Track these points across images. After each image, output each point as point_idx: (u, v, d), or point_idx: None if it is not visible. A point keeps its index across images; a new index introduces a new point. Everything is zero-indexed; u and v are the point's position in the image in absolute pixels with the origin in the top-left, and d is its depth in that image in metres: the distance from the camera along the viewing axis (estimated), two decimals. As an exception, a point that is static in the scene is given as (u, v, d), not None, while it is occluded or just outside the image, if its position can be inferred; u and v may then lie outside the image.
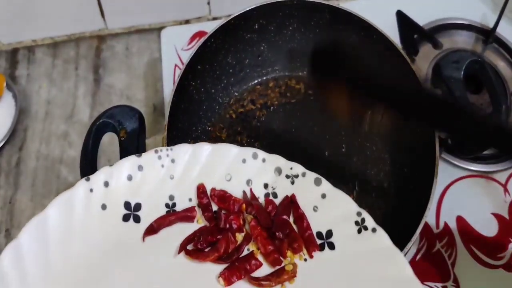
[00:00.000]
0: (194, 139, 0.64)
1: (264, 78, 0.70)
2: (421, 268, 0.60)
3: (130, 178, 0.44)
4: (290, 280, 0.42)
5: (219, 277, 0.42)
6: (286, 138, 0.66)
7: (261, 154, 0.46)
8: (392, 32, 0.72)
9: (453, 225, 0.63)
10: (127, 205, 0.44)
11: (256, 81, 0.70)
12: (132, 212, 0.44)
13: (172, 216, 0.45)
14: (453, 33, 0.77)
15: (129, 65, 0.79)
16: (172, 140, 0.56)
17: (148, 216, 0.44)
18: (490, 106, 0.67)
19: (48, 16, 0.78)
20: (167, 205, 0.45)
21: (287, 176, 0.46)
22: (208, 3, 0.81)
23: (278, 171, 0.47)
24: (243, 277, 0.42)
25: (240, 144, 0.65)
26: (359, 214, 0.44)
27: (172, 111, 0.57)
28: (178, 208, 0.45)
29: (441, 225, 0.63)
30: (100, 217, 0.43)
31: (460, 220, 0.63)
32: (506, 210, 0.64)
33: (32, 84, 0.77)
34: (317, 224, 0.45)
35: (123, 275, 0.41)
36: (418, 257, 0.61)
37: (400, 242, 0.50)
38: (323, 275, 0.43)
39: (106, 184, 0.43)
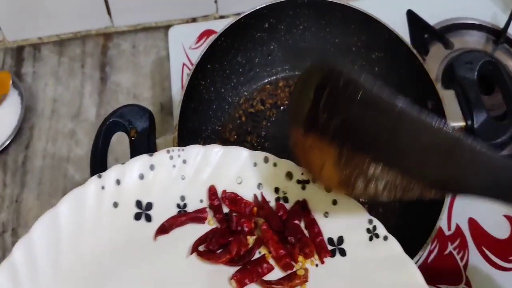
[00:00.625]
0: (204, 139, 0.63)
1: (274, 77, 0.69)
2: (433, 270, 0.60)
3: (142, 177, 0.44)
4: (301, 285, 0.42)
5: (231, 279, 0.41)
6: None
7: (272, 158, 0.46)
8: (402, 31, 0.72)
9: (465, 227, 0.62)
10: (138, 204, 0.43)
11: (266, 81, 0.69)
12: (143, 211, 0.43)
13: (183, 216, 0.44)
14: (463, 33, 0.77)
15: (136, 64, 0.79)
16: (183, 140, 0.56)
17: (159, 215, 0.44)
18: (502, 106, 0.67)
19: (54, 14, 0.77)
20: (178, 205, 0.44)
21: (298, 182, 0.46)
22: (215, 2, 0.80)
23: (289, 176, 0.46)
24: (255, 280, 0.42)
25: (250, 144, 0.64)
26: (370, 221, 0.43)
27: (182, 111, 0.56)
28: (189, 208, 0.45)
29: (453, 227, 0.62)
30: (112, 215, 0.42)
31: (472, 222, 0.63)
32: (519, 212, 0.63)
33: (38, 82, 0.77)
34: (328, 230, 0.44)
35: (133, 273, 0.41)
36: (430, 259, 0.61)
37: (412, 246, 0.50)
38: (334, 281, 0.42)
39: (118, 182, 0.43)
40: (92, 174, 0.51)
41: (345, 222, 0.44)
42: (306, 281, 0.42)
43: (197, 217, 0.44)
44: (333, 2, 0.63)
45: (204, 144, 0.62)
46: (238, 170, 0.46)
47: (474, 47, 0.75)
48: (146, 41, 0.81)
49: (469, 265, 0.60)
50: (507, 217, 0.63)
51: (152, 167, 0.44)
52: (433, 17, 0.77)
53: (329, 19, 0.65)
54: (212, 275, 0.42)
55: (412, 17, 0.76)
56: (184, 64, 0.74)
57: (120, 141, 0.57)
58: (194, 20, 0.82)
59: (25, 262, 0.39)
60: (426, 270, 0.59)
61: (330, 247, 0.44)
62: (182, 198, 0.45)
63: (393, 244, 0.42)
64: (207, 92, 0.63)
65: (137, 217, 0.43)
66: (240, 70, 0.67)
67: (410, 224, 0.57)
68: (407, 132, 0.37)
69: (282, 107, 0.67)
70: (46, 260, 0.40)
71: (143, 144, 0.53)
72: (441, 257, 0.61)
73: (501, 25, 0.75)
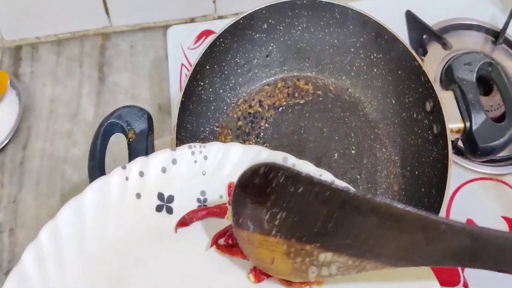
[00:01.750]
0: (202, 140, 0.63)
1: (273, 78, 0.69)
2: (431, 271, 0.60)
3: (164, 170, 0.45)
4: (319, 283, 0.42)
5: (249, 273, 0.42)
6: (294, 139, 0.65)
7: (291, 159, 0.46)
8: (401, 32, 0.72)
9: (463, 228, 0.62)
10: (160, 196, 0.44)
11: (264, 82, 0.69)
12: (165, 203, 0.44)
13: (204, 210, 0.45)
14: (462, 34, 0.77)
15: (134, 64, 0.78)
16: (181, 141, 0.56)
17: (180, 208, 0.45)
18: (500, 108, 0.67)
19: (52, 13, 0.77)
20: (198, 200, 0.45)
21: None
22: (214, 2, 0.80)
23: None
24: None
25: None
26: None
27: (180, 112, 0.56)
28: (209, 203, 0.46)
29: (451, 228, 0.62)
30: (134, 206, 0.43)
31: (469, 223, 0.63)
32: (517, 214, 0.63)
33: (36, 82, 0.76)
34: None
35: (154, 263, 0.42)
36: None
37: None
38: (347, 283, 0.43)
39: (141, 174, 0.44)
40: (90, 176, 0.51)
41: None
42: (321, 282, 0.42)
43: (217, 212, 0.45)
44: (331, 3, 0.63)
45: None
46: None
47: (473, 48, 0.75)
48: (145, 41, 0.80)
49: (467, 266, 0.60)
50: (505, 218, 0.63)
51: (174, 161, 0.45)
52: (431, 17, 0.77)
53: (327, 20, 0.65)
54: (230, 269, 0.43)
55: (410, 18, 0.76)
56: (182, 65, 0.74)
57: (118, 142, 0.57)
58: (192, 20, 0.82)
59: (51, 245, 0.40)
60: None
61: None
62: (203, 193, 0.45)
63: None
64: (206, 93, 0.63)
65: (159, 209, 0.44)
66: (239, 71, 0.67)
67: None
68: (352, 218, 0.37)
69: (280, 108, 0.67)
70: (72, 245, 0.41)
71: (141, 145, 0.52)
72: (439, 258, 0.61)
73: (500, 25, 0.75)
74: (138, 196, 0.44)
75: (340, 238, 0.38)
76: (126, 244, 0.42)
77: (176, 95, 0.71)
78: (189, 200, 0.45)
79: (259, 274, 0.42)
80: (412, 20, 0.76)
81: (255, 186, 0.39)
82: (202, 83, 0.62)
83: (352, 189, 0.38)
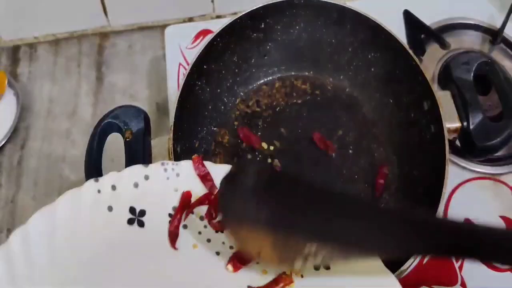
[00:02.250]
0: (199, 140, 0.63)
1: (270, 78, 0.69)
2: (428, 271, 0.60)
3: (136, 185, 0.45)
4: (288, 285, 0.43)
5: (227, 265, 0.43)
6: (292, 139, 0.65)
7: None
8: (399, 31, 0.72)
9: (460, 228, 0.62)
10: (132, 210, 0.44)
11: (262, 81, 0.69)
12: (136, 217, 0.44)
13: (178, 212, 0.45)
14: (460, 33, 0.77)
15: (132, 63, 0.78)
16: (178, 141, 0.56)
17: (151, 222, 0.45)
18: (498, 107, 0.66)
19: (50, 13, 0.77)
20: (170, 215, 0.45)
21: None
22: (212, 1, 0.80)
23: None
24: (248, 262, 0.43)
25: (247, 146, 0.64)
26: None
27: (178, 112, 0.56)
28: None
29: (449, 228, 0.62)
30: (106, 218, 0.44)
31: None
32: (515, 213, 0.63)
33: (34, 82, 0.76)
34: None
35: (125, 273, 0.42)
36: (425, 260, 0.60)
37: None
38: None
39: (114, 187, 0.44)
40: (87, 176, 0.51)
41: None
42: (292, 282, 0.43)
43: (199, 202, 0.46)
44: (329, 2, 0.63)
45: (200, 145, 0.63)
46: None
47: (471, 47, 0.75)
48: (143, 41, 0.80)
49: (465, 265, 0.60)
50: (503, 218, 0.63)
51: (146, 177, 0.45)
52: (429, 17, 0.76)
53: (325, 20, 0.65)
54: (206, 265, 0.44)
55: (408, 17, 0.76)
56: (180, 64, 0.74)
57: (115, 141, 0.57)
58: (191, 19, 0.82)
59: (21, 250, 0.40)
60: (421, 271, 0.60)
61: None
62: (174, 208, 0.45)
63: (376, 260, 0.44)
64: (203, 92, 0.63)
65: (131, 222, 0.44)
66: (236, 70, 0.67)
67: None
68: (338, 214, 0.39)
69: (278, 108, 0.67)
70: (42, 251, 0.41)
71: (138, 145, 0.53)
72: (437, 258, 0.61)
73: (498, 25, 0.75)
74: (110, 209, 0.44)
75: (326, 232, 0.39)
76: (98, 254, 0.42)
77: (174, 95, 0.71)
78: (160, 215, 0.45)
79: (237, 263, 0.43)
80: (410, 19, 0.76)
81: (241, 182, 0.41)
82: (199, 83, 0.62)
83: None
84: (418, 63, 0.59)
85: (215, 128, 0.65)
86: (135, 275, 0.42)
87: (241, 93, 0.68)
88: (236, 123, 0.66)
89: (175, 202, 0.46)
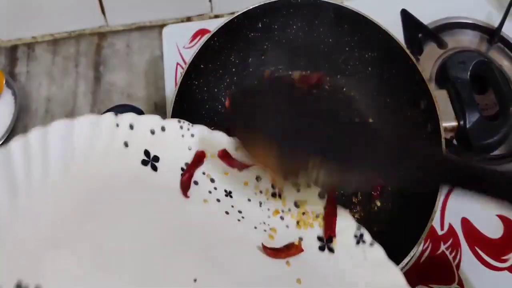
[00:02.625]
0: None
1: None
2: (425, 270, 0.60)
3: (153, 132, 0.45)
4: (297, 253, 0.44)
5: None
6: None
7: None
8: (396, 31, 0.72)
9: (457, 226, 0.62)
10: (146, 152, 0.45)
11: (259, 80, 0.69)
12: (150, 160, 0.45)
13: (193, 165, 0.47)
14: (458, 32, 0.77)
15: (130, 63, 0.78)
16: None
17: (164, 169, 0.45)
18: (495, 106, 0.67)
19: (48, 13, 0.77)
20: (182, 169, 0.46)
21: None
22: (210, 1, 0.80)
23: None
24: None
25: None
26: (358, 228, 0.46)
27: (175, 111, 0.56)
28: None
29: (446, 226, 0.63)
30: (121, 153, 0.44)
31: (465, 221, 0.63)
32: (512, 212, 0.63)
33: (32, 82, 0.76)
34: (319, 229, 0.46)
35: (133, 210, 0.42)
36: (422, 258, 0.61)
37: (405, 245, 0.50)
38: (320, 270, 0.44)
39: (131, 127, 0.44)
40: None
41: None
42: (302, 250, 0.44)
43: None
44: (326, 2, 0.63)
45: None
46: None
47: (468, 47, 0.75)
48: (141, 41, 0.81)
49: (462, 264, 0.60)
50: (500, 216, 0.63)
51: (163, 128, 0.46)
52: (427, 16, 0.76)
53: (322, 19, 0.65)
54: (213, 219, 0.45)
55: (406, 16, 0.76)
56: (178, 64, 0.74)
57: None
58: (189, 19, 0.82)
59: (40, 147, 0.38)
60: (418, 269, 0.60)
61: (319, 243, 0.45)
62: (186, 164, 0.46)
63: (379, 250, 0.44)
64: (200, 92, 0.63)
65: (144, 163, 0.45)
66: (233, 70, 0.67)
67: (402, 223, 0.58)
68: (343, 133, 0.41)
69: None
70: (59, 157, 0.40)
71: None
72: (434, 256, 0.61)
73: (496, 24, 0.75)
74: (126, 144, 0.44)
75: (329, 149, 0.40)
76: (106, 187, 0.42)
77: (171, 94, 0.71)
78: (173, 166, 0.46)
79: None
80: (408, 19, 0.76)
81: (251, 94, 0.44)
82: (196, 82, 0.62)
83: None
84: (415, 62, 0.59)
85: (212, 128, 0.65)
86: (141, 216, 0.42)
87: (239, 93, 0.68)
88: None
89: (188, 159, 0.47)
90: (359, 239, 0.45)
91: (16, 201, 0.36)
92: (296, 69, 0.69)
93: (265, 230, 0.46)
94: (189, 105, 0.61)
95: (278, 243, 0.45)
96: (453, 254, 0.61)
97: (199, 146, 0.47)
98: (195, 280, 0.39)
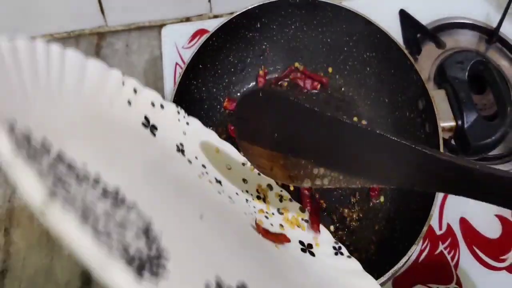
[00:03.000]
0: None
1: (266, 77, 0.69)
2: (423, 269, 0.60)
3: (153, 104, 0.47)
4: (283, 242, 0.46)
5: None
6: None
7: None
8: (395, 31, 0.72)
9: (456, 226, 0.63)
10: (146, 118, 0.46)
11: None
12: (149, 125, 0.46)
13: None
14: (456, 33, 0.77)
15: (129, 63, 0.78)
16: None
17: (162, 137, 0.46)
18: (493, 106, 0.67)
19: (47, 13, 0.77)
20: (177, 146, 0.48)
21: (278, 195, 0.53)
22: (209, 1, 0.80)
23: (270, 187, 0.53)
24: None
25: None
26: (336, 242, 0.49)
27: (173, 111, 0.56)
28: (186, 155, 0.48)
29: (444, 226, 0.63)
30: (125, 109, 0.44)
31: (463, 221, 0.63)
32: (510, 212, 0.63)
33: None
34: (301, 234, 0.47)
35: (128, 159, 0.41)
36: (421, 258, 0.61)
37: (403, 244, 0.50)
38: (303, 273, 0.44)
39: (135, 91, 0.45)
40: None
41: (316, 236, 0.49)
42: (289, 241, 0.46)
43: None
44: (325, 2, 0.63)
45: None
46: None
47: (467, 47, 0.75)
48: (140, 41, 0.81)
49: (460, 264, 0.60)
50: (498, 216, 0.63)
51: (162, 106, 0.47)
52: (425, 16, 0.76)
53: (321, 19, 0.65)
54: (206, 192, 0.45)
55: (404, 16, 0.76)
56: (177, 64, 0.74)
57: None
58: (187, 19, 0.82)
59: (56, 58, 0.37)
60: (417, 269, 0.60)
61: (301, 247, 0.46)
62: (181, 145, 0.48)
63: (355, 262, 0.46)
64: (199, 92, 0.63)
65: (145, 125, 0.45)
66: (232, 70, 0.67)
67: (401, 222, 0.58)
68: (343, 141, 0.41)
69: (274, 107, 0.67)
70: (72, 76, 0.38)
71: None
72: (432, 256, 0.61)
73: (494, 24, 0.75)
74: (129, 103, 0.44)
75: (333, 157, 0.41)
76: (108, 131, 0.40)
77: (171, 94, 0.71)
78: (169, 139, 0.47)
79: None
80: (406, 19, 0.76)
81: (254, 105, 0.44)
82: (195, 82, 0.62)
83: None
84: (413, 62, 0.59)
85: (211, 128, 0.65)
86: (135, 168, 0.41)
87: (238, 93, 0.68)
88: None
89: (183, 141, 0.48)
90: (338, 251, 0.46)
91: (37, 86, 0.34)
92: (295, 70, 0.69)
93: (253, 219, 0.46)
94: (188, 104, 0.61)
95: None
96: (452, 254, 0.61)
97: (193, 135, 0.49)
98: (201, 217, 0.39)
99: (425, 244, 0.61)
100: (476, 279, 0.60)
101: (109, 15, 0.79)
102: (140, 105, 0.45)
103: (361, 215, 0.61)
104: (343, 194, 0.62)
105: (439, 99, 0.58)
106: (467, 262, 0.60)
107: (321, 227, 0.50)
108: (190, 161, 0.47)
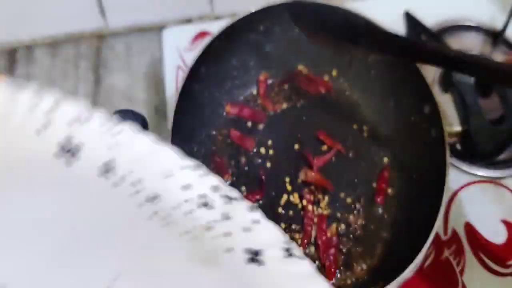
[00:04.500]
0: (198, 144, 0.63)
1: (270, 81, 0.68)
2: (429, 275, 0.59)
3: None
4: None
5: None
6: (291, 143, 0.64)
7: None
8: (399, 33, 0.71)
9: (461, 232, 0.62)
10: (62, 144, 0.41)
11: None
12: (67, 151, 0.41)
13: None
14: (461, 35, 0.76)
15: (130, 65, 0.78)
16: (176, 145, 0.55)
17: (84, 157, 0.40)
18: (499, 110, 0.66)
19: (47, 15, 0.77)
20: (103, 166, 0.42)
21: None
22: (211, 2, 0.79)
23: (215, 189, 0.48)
24: None
25: (245, 150, 0.63)
26: (287, 242, 0.46)
27: (176, 115, 0.55)
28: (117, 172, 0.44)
29: (449, 232, 0.62)
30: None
31: (468, 227, 0.62)
32: (516, 218, 0.63)
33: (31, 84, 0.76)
34: (249, 240, 0.46)
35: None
36: (426, 264, 0.60)
37: (409, 251, 0.50)
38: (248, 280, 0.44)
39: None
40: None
41: (265, 239, 0.46)
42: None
43: None
44: (328, 5, 0.62)
45: (198, 149, 0.63)
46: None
47: (472, 49, 0.74)
48: (141, 43, 0.80)
49: (466, 270, 0.60)
50: (504, 222, 0.63)
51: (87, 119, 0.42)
52: (430, 18, 0.76)
53: (324, 22, 0.64)
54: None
55: (409, 18, 0.75)
56: (178, 67, 0.73)
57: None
58: (189, 21, 0.81)
59: None
60: (422, 275, 0.59)
61: (248, 255, 0.45)
62: (110, 161, 0.43)
63: (307, 264, 0.44)
64: (201, 96, 0.62)
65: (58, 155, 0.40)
66: (235, 73, 0.66)
67: (406, 229, 0.57)
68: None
69: (278, 111, 0.66)
70: None
71: (136, 150, 0.52)
72: (437, 262, 0.60)
73: (499, 26, 0.74)
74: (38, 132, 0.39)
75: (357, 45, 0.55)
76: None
77: (172, 98, 0.70)
78: (92, 162, 0.40)
79: None
80: (411, 21, 0.75)
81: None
82: (197, 86, 0.61)
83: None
84: (418, 66, 0.58)
85: (214, 132, 0.65)
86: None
87: (241, 96, 0.67)
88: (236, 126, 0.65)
89: (114, 155, 0.42)
90: (288, 252, 0.45)
91: None
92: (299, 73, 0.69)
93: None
94: (190, 109, 0.61)
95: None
96: (457, 259, 0.60)
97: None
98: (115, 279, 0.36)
99: (430, 250, 0.61)
100: (482, 285, 0.59)
101: (109, 17, 0.79)
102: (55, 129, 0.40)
103: (365, 222, 0.60)
104: (347, 200, 0.61)
105: (445, 103, 0.57)
106: (472, 268, 0.60)
107: (272, 225, 0.48)
108: (116, 184, 0.42)
